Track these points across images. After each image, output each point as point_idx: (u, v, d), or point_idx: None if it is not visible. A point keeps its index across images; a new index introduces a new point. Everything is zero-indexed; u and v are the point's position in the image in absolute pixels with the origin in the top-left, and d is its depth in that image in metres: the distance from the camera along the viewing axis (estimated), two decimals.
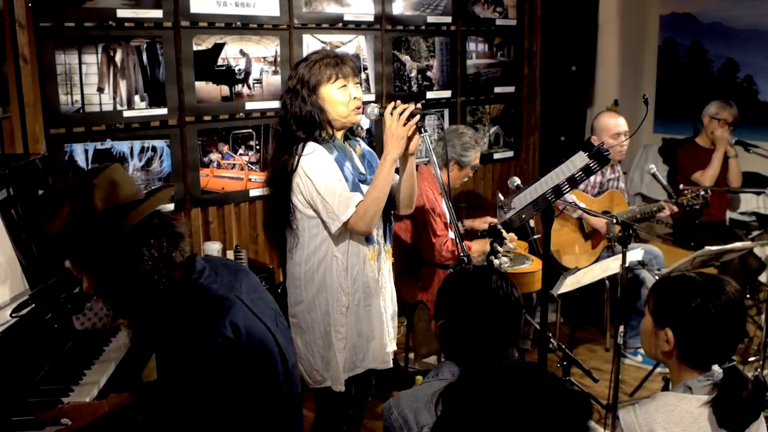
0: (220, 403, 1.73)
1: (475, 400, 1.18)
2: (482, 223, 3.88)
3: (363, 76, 4.30)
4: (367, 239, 2.55)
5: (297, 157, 2.46)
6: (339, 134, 2.57)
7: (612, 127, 4.19)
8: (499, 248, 3.31)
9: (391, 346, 2.74)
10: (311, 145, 2.48)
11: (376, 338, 2.60)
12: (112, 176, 1.75)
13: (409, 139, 2.43)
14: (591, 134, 4.32)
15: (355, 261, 2.54)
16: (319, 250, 2.54)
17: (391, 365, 2.69)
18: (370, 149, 2.72)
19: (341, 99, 2.49)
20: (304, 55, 3.98)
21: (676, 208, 4.11)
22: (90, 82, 3.37)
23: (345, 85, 2.50)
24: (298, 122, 2.49)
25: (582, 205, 3.49)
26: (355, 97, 2.51)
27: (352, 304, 2.55)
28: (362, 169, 2.58)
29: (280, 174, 2.50)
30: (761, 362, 3.69)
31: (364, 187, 2.52)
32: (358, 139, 2.70)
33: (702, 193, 4.06)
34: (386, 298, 2.70)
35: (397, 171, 2.58)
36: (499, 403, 1.15)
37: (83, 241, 1.69)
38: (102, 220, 1.69)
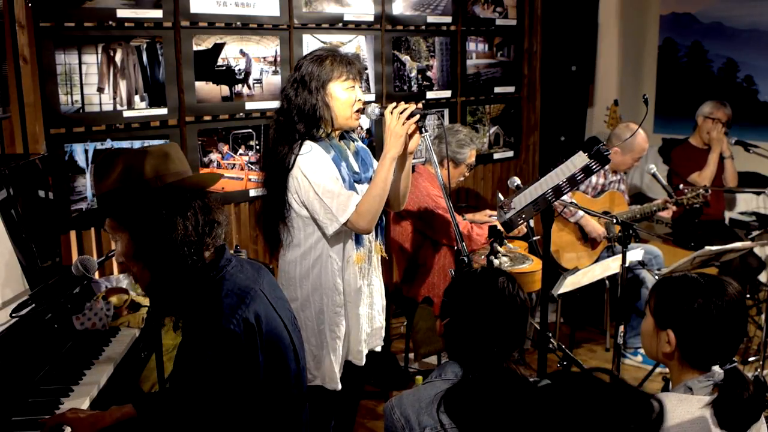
0: (234, 393, 1.74)
1: (476, 403, 1.18)
2: (483, 215, 3.89)
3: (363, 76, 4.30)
4: (357, 242, 2.56)
5: (294, 156, 2.45)
6: (336, 133, 2.57)
7: (642, 151, 4.18)
8: (499, 248, 3.32)
9: (373, 345, 2.76)
10: (308, 144, 2.47)
11: (352, 334, 2.63)
12: (167, 150, 1.84)
13: (410, 137, 2.44)
14: (609, 141, 4.22)
15: (344, 261, 2.56)
16: (314, 249, 2.54)
17: (363, 363, 2.69)
18: (364, 146, 2.72)
19: (347, 99, 2.50)
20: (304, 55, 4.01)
21: (675, 208, 4.12)
22: (90, 82, 3.37)
23: (353, 87, 2.50)
24: (301, 115, 2.48)
25: (581, 212, 3.49)
26: (359, 99, 2.52)
27: (344, 303, 2.58)
28: (357, 168, 2.58)
29: (277, 170, 2.49)
30: (761, 362, 3.69)
31: (360, 187, 2.53)
32: (353, 136, 2.70)
33: (702, 191, 4.07)
34: (374, 294, 2.71)
35: None
36: (499, 406, 1.16)
37: (127, 201, 1.76)
38: (149, 185, 1.76)
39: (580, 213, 3.90)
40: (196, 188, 1.83)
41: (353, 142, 2.66)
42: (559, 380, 1.19)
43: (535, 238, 3.64)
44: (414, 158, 2.66)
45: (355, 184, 2.53)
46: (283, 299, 2.00)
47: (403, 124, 2.39)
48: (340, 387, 2.60)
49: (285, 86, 2.57)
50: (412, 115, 2.40)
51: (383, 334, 2.81)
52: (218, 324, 1.71)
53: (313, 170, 2.44)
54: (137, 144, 3.54)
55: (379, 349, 2.80)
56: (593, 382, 1.17)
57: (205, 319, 1.74)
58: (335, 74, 2.47)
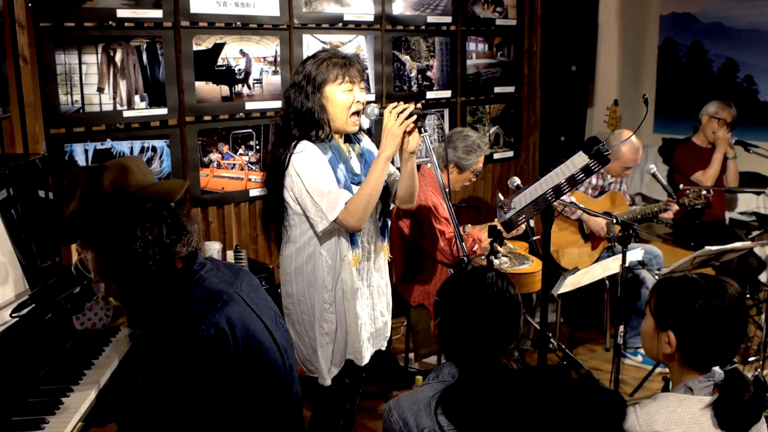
0: (211, 400, 1.71)
1: (471, 402, 1.19)
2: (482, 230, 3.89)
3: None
4: (352, 242, 2.56)
5: (289, 155, 2.48)
6: (337, 134, 2.58)
7: (628, 161, 4.17)
8: (499, 248, 3.32)
9: (379, 345, 2.76)
10: (303, 144, 2.49)
11: (351, 333, 2.63)
12: (126, 163, 1.80)
13: (408, 134, 2.44)
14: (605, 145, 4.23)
15: (338, 260, 2.57)
16: (308, 245, 2.56)
17: (364, 363, 2.69)
18: (371, 148, 2.71)
19: (344, 101, 2.50)
20: (304, 55, 4.01)
21: (677, 207, 4.12)
22: (90, 82, 3.37)
23: (351, 89, 2.50)
24: (297, 118, 2.50)
25: (581, 206, 3.49)
26: (357, 101, 2.51)
27: (336, 301, 2.59)
28: (357, 170, 2.58)
29: (275, 169, 2.52)
30: (761, 362, 3.69)
31: (357, 189, 2.52)
32: (360, 136, 2.70)
33: (704, 192, 4.06)
34: (375, 294, 2.71)
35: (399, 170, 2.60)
36: (493, 404, 1.17)
37: (88, 219, 1.74)
38: (107, 199, 1.74)
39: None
40: (159, 198, 1.79)
41: (359, 143, 2.66)
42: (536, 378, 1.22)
43: (534, 238, 3.64)
44: (418, 158, 2.66)
45: (353, 186, 2.53)
46: (265, 300, 1.96)
47: (400, 124, 2.40)
48: (328, 383, 2.63)
49: (286, 89, 2.59)
50: (410, 115, 2.41)
51: (388, 335, 2.82)
52: (187, 329, 1.68)
53: (305, 169, 2.46)
54: (137, 144, 3.54)
55: (383, 348, 2.81)
56: (562, 378, 1.20)
57: (173, 325, 1.71)
58: (331, 76, 2.48)
